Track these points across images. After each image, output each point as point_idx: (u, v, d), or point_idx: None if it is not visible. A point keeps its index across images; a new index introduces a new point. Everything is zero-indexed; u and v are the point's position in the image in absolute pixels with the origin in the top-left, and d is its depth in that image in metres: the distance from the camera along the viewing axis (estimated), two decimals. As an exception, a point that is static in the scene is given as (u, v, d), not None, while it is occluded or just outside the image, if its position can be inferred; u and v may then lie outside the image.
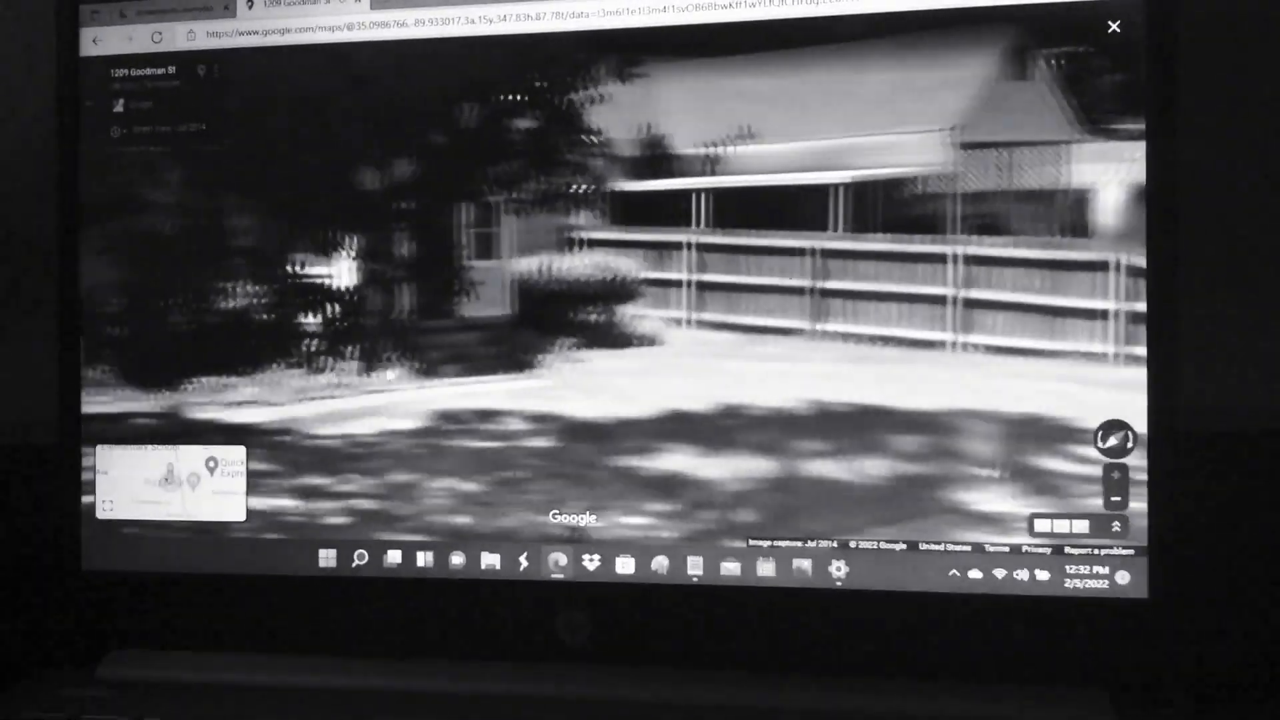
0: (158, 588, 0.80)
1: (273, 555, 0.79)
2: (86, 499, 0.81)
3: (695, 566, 0.75)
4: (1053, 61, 0.70)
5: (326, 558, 0.79)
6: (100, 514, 0.81)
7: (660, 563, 0.75)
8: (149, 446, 0.81)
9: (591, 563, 0.76)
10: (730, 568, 0.74)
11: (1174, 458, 0.68)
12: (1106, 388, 0.69)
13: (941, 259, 0.72)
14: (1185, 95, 0.68)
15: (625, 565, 0.75)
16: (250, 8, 0.80)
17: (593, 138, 0.76)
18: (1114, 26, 0.69)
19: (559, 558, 0.76)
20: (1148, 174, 0.68)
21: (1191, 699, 0.71)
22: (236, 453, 0.80)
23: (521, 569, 0.76)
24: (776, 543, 0.74)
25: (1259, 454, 0.77)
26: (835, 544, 0.73)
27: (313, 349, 0.80)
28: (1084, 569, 0.70)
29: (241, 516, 0.80)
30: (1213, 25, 0.77)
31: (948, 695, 0.71)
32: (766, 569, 0.74)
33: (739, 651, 0.74)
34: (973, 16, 0.71)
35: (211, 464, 0.81)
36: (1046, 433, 0.70)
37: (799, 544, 0.73)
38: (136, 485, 0.81)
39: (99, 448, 0.81)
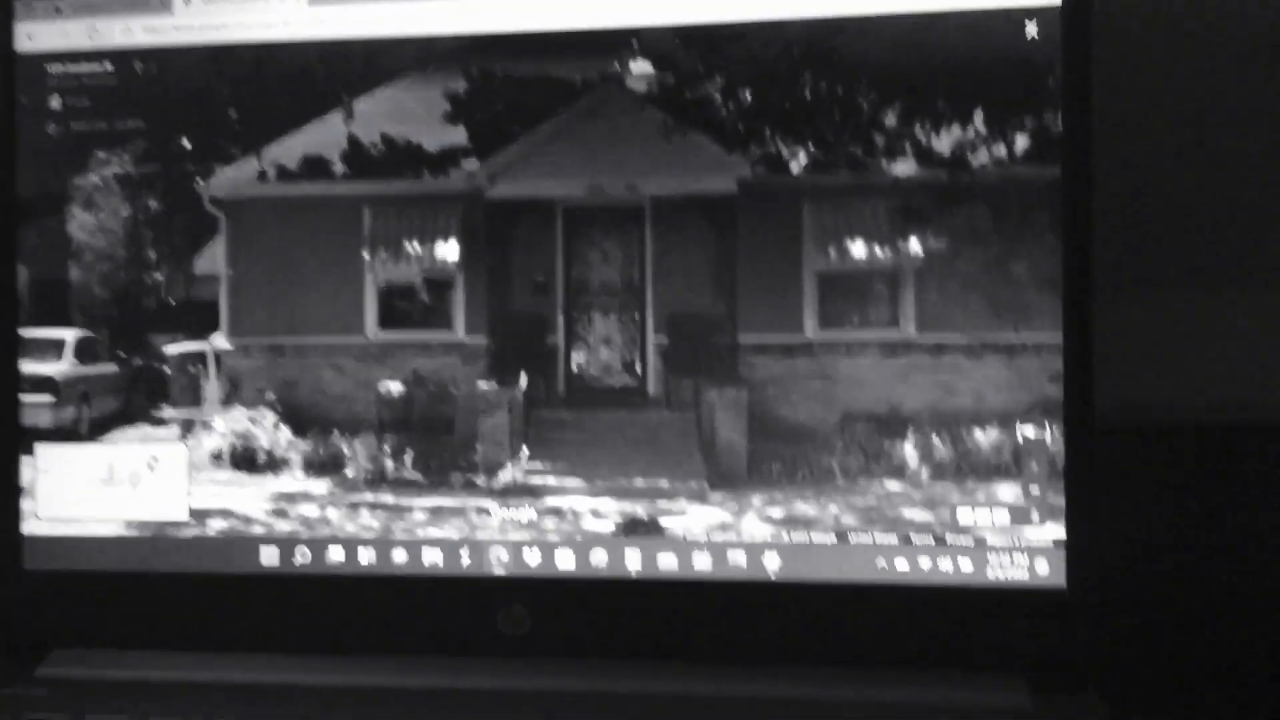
0: (100, 587, 0.80)
1: (215, 553, 0.79)
2: (27, 498, 0.81)
3: (634, 561, 0.76)
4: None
5: (269, 556, 0.79)
6: (42, 513, 0.81)
7: (599, 557, 0.76)
8: (89, 444, 0.81)
9: (532, 557, 0.77)
10: (668, 560, 0.76)
11: (1091, 451, 0.70)
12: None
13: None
14: (1099, 96, 0.70)
15: (565, 560, 0.76)
16: (187, 4, 0.79)
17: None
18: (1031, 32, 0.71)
19: (500, 553, 0.77)
20: (1062, 174, 0.70)
21: (1106, 687, 0.73)
22: (178, 451, 0.80)
23: (464, 565, 0.77)
24: (712, 537, 0.75)
25: (1174, 450, 0.80)
26: (769, 538, 0.75)
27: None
28: (1005, 559, 0.72)
29: (184, 515, 0.80)
30: (1126, 31, 0.79)
31: (873, 681, 0.72)
32: (702, 562, 0.75)
33: (676, 643, 0.75)
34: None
35: (153, 463, 0.81)
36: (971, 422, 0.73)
37: (734, 538, 0.75)
38: (78, 484, 0.81)
39: (39, 446, 0.81)
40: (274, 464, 0.79)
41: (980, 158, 0.71)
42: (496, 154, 0.77)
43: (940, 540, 0.73)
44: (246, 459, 0.79)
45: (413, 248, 0.78)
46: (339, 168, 0.78)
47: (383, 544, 0.78)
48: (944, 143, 0.72)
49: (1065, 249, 0.70)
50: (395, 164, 0.78)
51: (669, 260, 0.76)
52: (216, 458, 0.80)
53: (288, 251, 0.80)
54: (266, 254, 0.80)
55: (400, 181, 0.78)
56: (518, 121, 0.76)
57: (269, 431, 0.79)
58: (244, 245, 0.80)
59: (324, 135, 0.78)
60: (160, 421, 0.81)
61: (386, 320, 0.79)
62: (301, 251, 0.79)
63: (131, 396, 0.82)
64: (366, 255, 0.79)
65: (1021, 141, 0.71)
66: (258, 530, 0.79)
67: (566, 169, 0.76)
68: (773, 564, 0.75)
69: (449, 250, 0.78)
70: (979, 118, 0.71)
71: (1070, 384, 0.70)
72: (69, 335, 0.82)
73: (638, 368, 0.78)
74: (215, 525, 0.80)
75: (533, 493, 0.76)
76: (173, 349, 0.81)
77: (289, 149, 0.79)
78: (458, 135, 0.77)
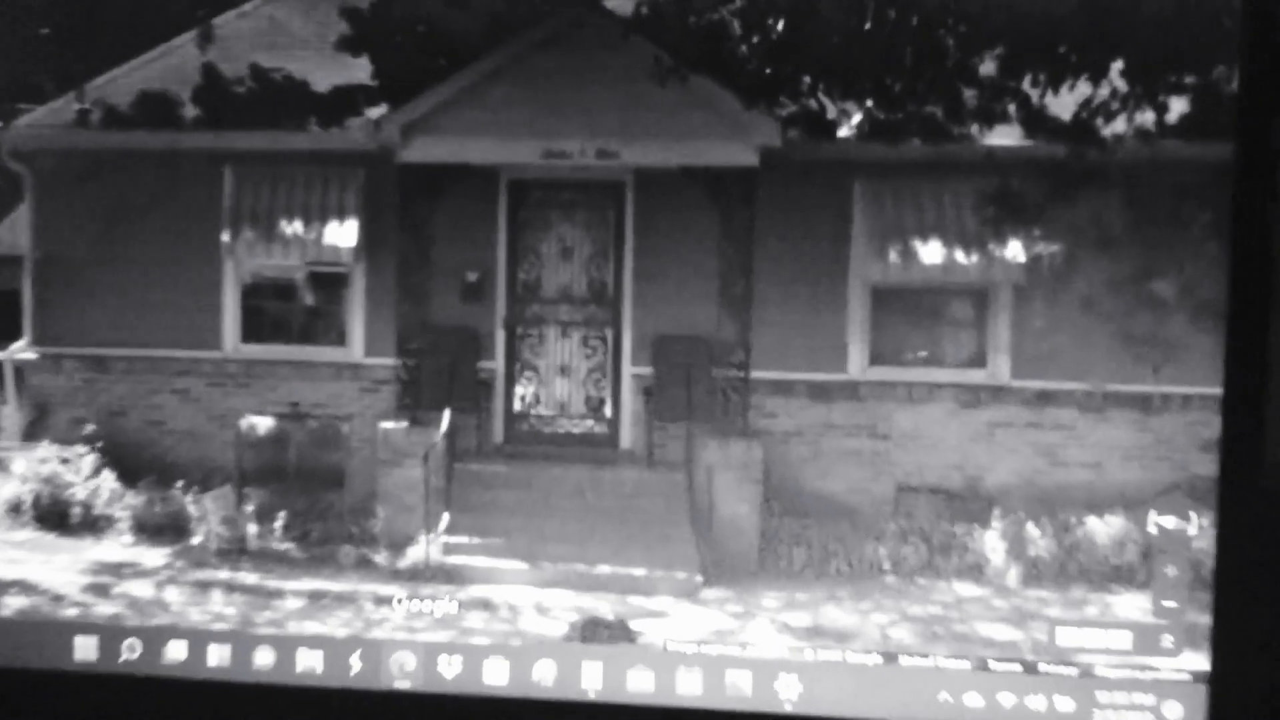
0: None
1: (12, 641, 0.60)
2: None
3: (592, 678, 0.56)
4: None
5: (85, 648, 0.60)
6: None
7: (545, 670, 0.56)
8: None
9: (450, 667, 0.57)
10: (640, 679, 0.56)
11: (1257, 550, 0.50)
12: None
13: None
14: None
15: (496, 672, 0.57)
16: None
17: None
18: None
19: (405, 660, 0.57)
20: (1236, 153, 0.50)
21: None
22: (-38, 499, 0.60)
23: (353, 674, 0.57)
24: (703, 648, 0.55)
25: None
26: (786, 653, 0.54)
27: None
28: (1120, 697, 0.53)
29: (-32, 588, 0.60)
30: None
31: None
32: (690, 684, 0.56)
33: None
34: None
35: (-73, 513, 0.60)
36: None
37: (736, 651, 0.55)
38: None
39: None
40: (93, 523, 0.61)
41: (1115, 126, 0.51)
42: (414, 99, 0.56)
43: (1031, 669, 0.54)
44: (55, 514, 0.61)
45: (292, 228, 0.59)
46: (191, 111, 0.57)
47: (241, 640, 0.59)
48: (1064, 103, 0.51)
49: (1234, 260, 0.50)
50: (270, 108, 0.57)
51: (657, 258, 0.58)
52: (15, 510, 0.61)
53: (117, 228, 0.60)
54: (88, 230, 0.60)
55: (276, 134, 0.58)
56: (445, 53, 0.55)
57: (87, 478, 0.60)
58: (57, 217, 0.60)
59: (171, 65, 0.57)
60: None
61: (253, 330, 0.62)
62: (137, 228, 0.59)
63: None
64: (226, 236, 0.60)
65: (1177, 105, 0.50)
66: (70, 613, 0.60)
67: (514, 123, 0.55)
68: (790, 690, 0.55)
69: (344, 234, 0.59)
70: (1116, 69, 0.51)
71: (1231, 453, 0.50)
72: None
73: (608, 408, 0.60)
74: (12, 603, 0.62)
75: (453, 577, 0.58)
76: None
77: (122, 83, 0.58)
78: (359, 70, 0.56)
